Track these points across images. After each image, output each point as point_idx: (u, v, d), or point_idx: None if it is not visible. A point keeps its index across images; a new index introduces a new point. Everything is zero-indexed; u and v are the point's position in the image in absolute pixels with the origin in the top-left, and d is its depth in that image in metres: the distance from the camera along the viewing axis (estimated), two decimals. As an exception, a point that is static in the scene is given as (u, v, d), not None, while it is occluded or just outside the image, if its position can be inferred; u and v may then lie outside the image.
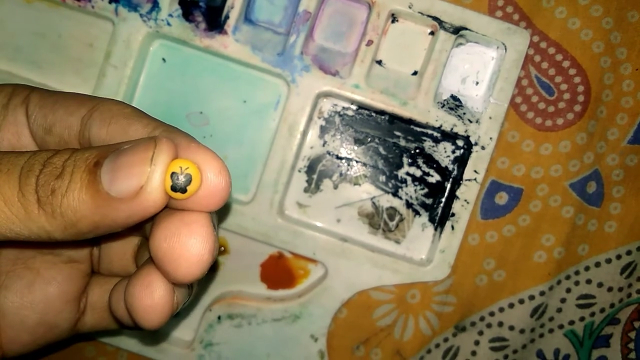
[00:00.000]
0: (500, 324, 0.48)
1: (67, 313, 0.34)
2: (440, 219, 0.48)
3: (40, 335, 0.34)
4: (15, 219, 0.26)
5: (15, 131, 0.32)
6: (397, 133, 0.48)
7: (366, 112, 0.48)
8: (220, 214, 0.47)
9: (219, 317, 0.48)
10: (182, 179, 0.26)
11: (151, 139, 0.27)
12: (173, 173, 0.26)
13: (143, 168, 0.26)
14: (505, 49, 0.46)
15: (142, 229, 0.34)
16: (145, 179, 0.26)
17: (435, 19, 0.46)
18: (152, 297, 0.29)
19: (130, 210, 0.26)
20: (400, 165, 0.48)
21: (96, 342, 0.49)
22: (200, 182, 0.27)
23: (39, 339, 0.34)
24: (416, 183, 0.48)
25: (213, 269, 0.49)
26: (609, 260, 0.48)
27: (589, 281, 0.48)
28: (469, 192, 0.46)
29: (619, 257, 0.47)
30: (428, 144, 0.48)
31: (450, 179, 0.48)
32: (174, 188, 0.26)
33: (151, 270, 0.30)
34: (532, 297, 0.48)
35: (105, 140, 0.29)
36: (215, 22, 0.46)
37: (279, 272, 0.49)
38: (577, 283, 0.48)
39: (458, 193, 0.47)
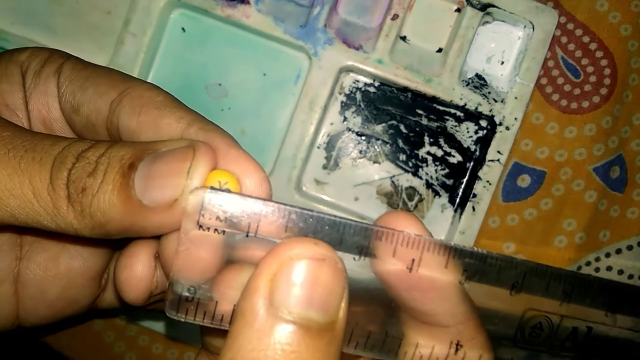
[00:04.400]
0: (518, 309, 0.46)
1: (88, 289, 0.31)
2: (460, 200, 0.45)
3: (59, 310, 0.31)
4: (43, 212, 0.24)
5: (45, 102, 0.29)
6: (419, 111, 0.45)
7: (388, 88, 0.45)
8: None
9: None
10: None
11: (189, 146, 0.24)
12: (211, 187, 0.24)
13: (179, 180, 0.24)
14: (533, 29, 0.43)
15: None
16: (180, 192, 0.24)
17: (462, -5, 0.43)
18: (131, 270, 0.28)
19: (161, 221, 0.24)
20: (421, 145, 0.45)
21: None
22: None
23: (57, 313, 0.31)
24: (437, 163, 0.45)
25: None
26: (630, 247, 0.45)
27: (609, 268, 0.45)
28: (491, 173, 0.44)
29: (640, 244, 0.45)
30: (450, 124, 0.45)
31: (472, 160, 0.45)
32: None
33: (137, 244, 0.28)
34: (551, 282, 0.45)
35: (136, 131, 0.27)
36: (237, -8, 0.44)
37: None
38: (597, 269, 0.45)
39: (480, 174, 0.44)
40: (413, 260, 0.23)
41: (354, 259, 0.23)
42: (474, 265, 0.23)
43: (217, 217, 0.23)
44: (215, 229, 0.23)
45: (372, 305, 0.24)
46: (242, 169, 0.25)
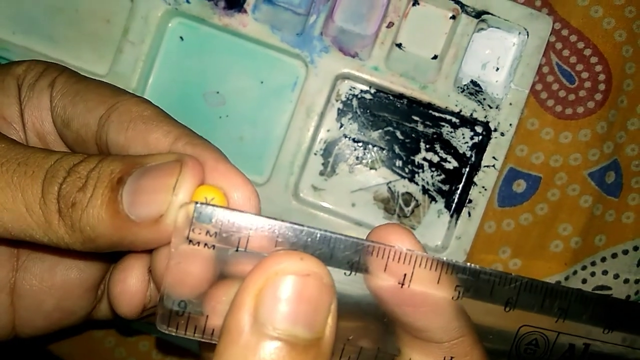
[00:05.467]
0: (514, 313, 0.45)
1: (85, 300, 0.31)
2: (456, 206, 0.44)
3: (55, 321, 0.30)
4: (35, 226, 0.24)
5: (39, 115, 0.29)
6: (415, 118, 0.44)
7: (384, 95, 0.44)
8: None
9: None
10: None
11: (177, 160, 0.24)
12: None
13: (165, 196, 0.23)
14: (527, 35, 0.42)
15: None
16: (165, 208, 0.23)
17: (457, 2, 0.42)
18: (124, 284, 0.27)
19: (148, 236, 0.23)
20: (417, 151, 0.45)
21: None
22: None
23: (53, 324, 0.31)
24: (433, 169, 0.44)
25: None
26: (625, 252, 0.44)
27: (605, 272, 0.44)
28: (486, 179, 0.43)
29: (636, 248, 0.44)
30: (446, 130, 0.44)
31: (468, 165, 0.44)
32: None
33: (131, 258, 0.27)
34: (547, 287, 0.44)
35: (124, 146, 0.26)
36: (234, 1, 0.43)
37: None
38: (593, 274, 0.44)
39: (475, 179, 0.43)
40: (405, 275, 0.22)
41: (345, 274, 0.22)
42: (467, 280, 0.22)
43: (207, 232, 0.22)
44: (205, 244, 0.22)
45: (364, 320, 0.23)
46: (230, 183, 0.24)
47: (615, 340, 0.24)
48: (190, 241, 0.22)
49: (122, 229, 0.23)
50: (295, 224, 0.22)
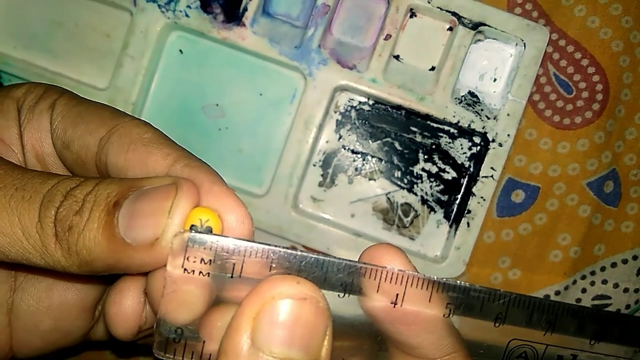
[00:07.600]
0: (514, 323, 0.45)
1: (82, 321, 0.31)
2: (455, 216, 0.44)
3: (52, 341, 0.31)
4: (32, 250, 0.24)
5: (38, 137, 0.29)
6: (414, 129, 0.45)
7: (382, 107, 0.45)
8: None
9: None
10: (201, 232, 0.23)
11: (172, 184, 0.24)
12: (192, 225, 0.23)
13: (160, 219, 0.23)
14: (524, 46, 0.42)
15: None
16: (160, 232, 0.23)
17: (454, 14, 0.43)
18: (120, 305, 0.27)
19: (144, 260, 0.23)
20: (416, 161, 0.45)
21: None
22: (220, 233, 0.24)
23: (50, 345, 0.31)
24: (432, 179, 0.45)
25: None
26: (625, 261, 0.44)
27: (604, 281, 0.44)
28: (485, 189, 0.43)
29: (635, 257, 0.44)
30: (444, 140, 0.44)
31: (467, 176, 0.44)
32: None
33: (127, 279, 0.27)
34: (547, 297, 0.44)
35: (123, 168, 0.26)
36: (233, 14, 0.43)
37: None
38: (592, 283, 0.44)
39: (474, 190, 0.43)
40: (397, 295, 0.22)
41: (339, 296, 0.22)
42: (458, 298, 0.23)
43: (202, 260, 0.22)
44: (200, 272, 0.22)
45: (358, 339, 0.24)
46: (224, 205, 0.25)
47: (601, 351, 0.24)
48: (185, 269, 0.22)
49: (118, 252, 0.23)
50: (288, 249, 0.22)
